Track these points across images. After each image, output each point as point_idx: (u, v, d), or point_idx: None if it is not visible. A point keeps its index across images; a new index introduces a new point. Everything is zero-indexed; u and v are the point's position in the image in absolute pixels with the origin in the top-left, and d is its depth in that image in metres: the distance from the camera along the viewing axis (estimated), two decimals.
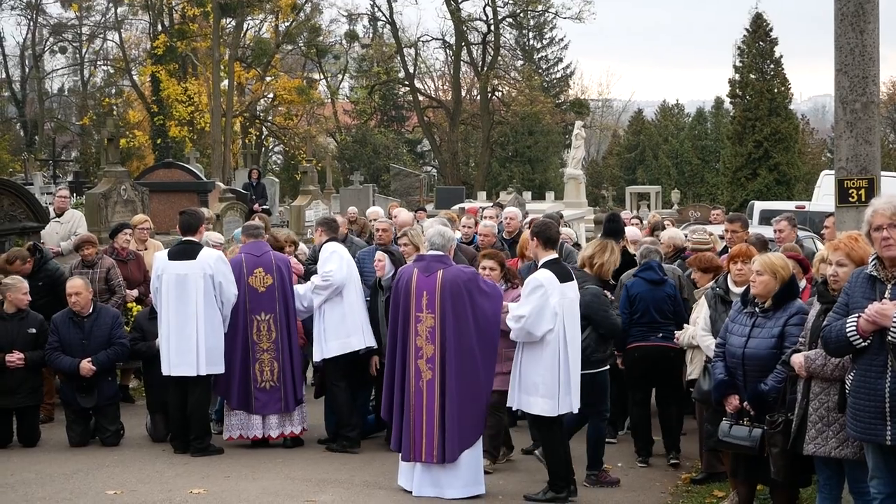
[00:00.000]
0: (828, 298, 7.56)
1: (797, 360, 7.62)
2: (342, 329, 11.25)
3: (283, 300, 11.48)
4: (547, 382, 9.42)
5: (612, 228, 11.91)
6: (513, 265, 11.72)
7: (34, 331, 11.81)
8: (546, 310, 9.33)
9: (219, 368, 11.36)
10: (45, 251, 13.34)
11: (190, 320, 11.19)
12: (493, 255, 10.85)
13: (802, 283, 9.72)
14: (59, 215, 17.18)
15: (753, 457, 8.29)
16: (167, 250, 12.01)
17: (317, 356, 11.46)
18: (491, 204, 22.60)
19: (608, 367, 10.47)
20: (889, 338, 6.61)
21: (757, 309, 8.34)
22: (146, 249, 15.10)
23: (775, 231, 12.82)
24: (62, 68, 70.26)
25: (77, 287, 11.88)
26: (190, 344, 11.19)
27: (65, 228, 16.82)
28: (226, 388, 11.55)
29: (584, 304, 10.00)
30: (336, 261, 11.28)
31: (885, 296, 6.77)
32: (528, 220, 15.99)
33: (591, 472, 10.31)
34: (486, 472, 9.92)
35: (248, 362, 11.45)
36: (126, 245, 14.35)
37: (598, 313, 10.22)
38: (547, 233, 9.78)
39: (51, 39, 65.29)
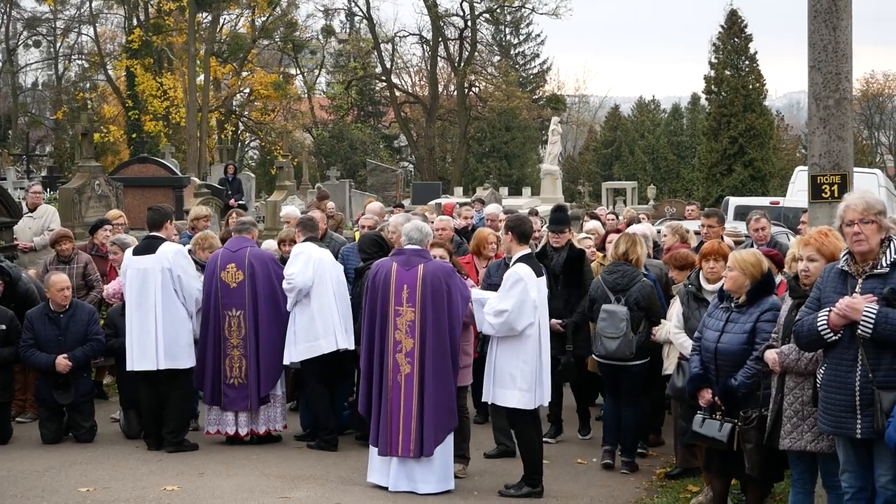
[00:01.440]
0: (799, 293, 7.60)
1: (770, 355, 7.66)
2: (311, 332, 11.10)
3: (253, 297, 11.38)
4: (526, 375, 9.47)
5: (557, 217, 11.78)
6: (467, 262, 11.86)
7: (4, 327, 11.72)
8: (527, 303, 9.40)
9: (181, 363, 11.30)
10: (14, 271, 12.83)
11: (149, 315, 11.16)
12: (441, 244, 10.88)
13: (778, 279, 9.74)
14: (31, 210, 17.07)
15: (727, 452, 8.31)
16: (132, 247, 12.01)
17: (286, 359, 11.39)
18: (469, 200, 22.61)
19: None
20: (859, 332, 6.65)
21: (732, 304, 8.38)
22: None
23: (756, 230, 12.76)
24: (36, 62, 69.98)
25: (65, 282, 11.89)
26: (149, 338, 11.15)
27: (38, 224, 16.73)
28: (200, 383, 11.55)
29: (645, 296, 10.53)
30: (300, 263, 11.09)
31: (856, 290, 6.81)
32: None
33: (628, 458, 10.70)
34: (457, 477, 9.90)
35: (220, 358, 11.43)
36: (106, 241, 14.27)
37: (657, 304, 10.66)
38: (521, 227, 9.84)
39: (25, 33, 64.92)
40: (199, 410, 12.18)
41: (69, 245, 13.73)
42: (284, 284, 11.17)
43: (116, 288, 12.48)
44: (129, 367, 11.31)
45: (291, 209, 16.27)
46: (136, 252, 11.48)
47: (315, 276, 11.04)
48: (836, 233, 7.42)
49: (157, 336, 11.13)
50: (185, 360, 11.36)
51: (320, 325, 11.06)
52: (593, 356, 10.97)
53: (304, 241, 11.52)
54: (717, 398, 8.29)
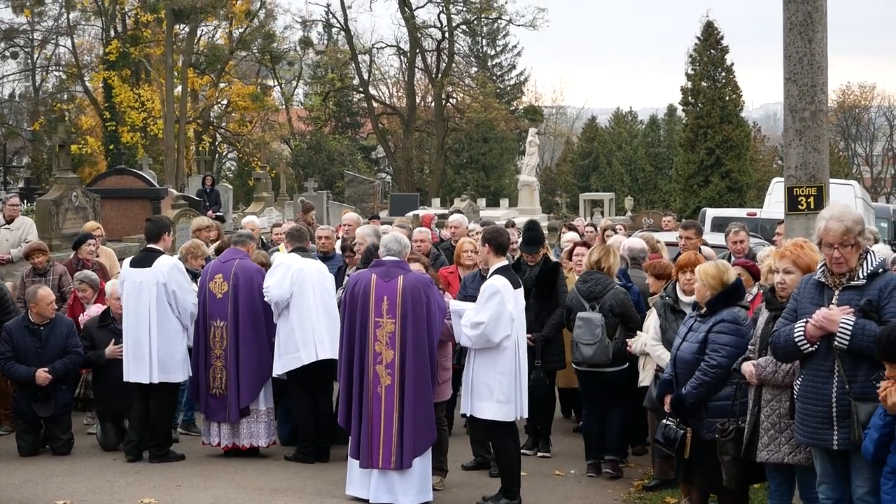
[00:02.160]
0: (776, 306, 7.65)
1: (747, 368, 7.71)
2: (291, 343, 11.07)
3: (235, 309, 11.36)
4: (504, 388, 9.48)
5: (531, 237, 11.80)
6: (451, 272, 11.88)
7: None
8: (504, 316, 9.41)
9: (174, 377, 11.34)
10: None
11: (143, 328, 11.18)
12: (418, 258, 10.92)
13: (755, 290, 9.78)
14: (8, 222, 17.01)
15: (706, 463, 8.34)
16: (130, 258, 11.99)
17: (273, 371, 11.35)
18: (448, 211, 22.63)
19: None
20: (836, 343, 6.69)
21: (697, 314, 8.53)
22: (97, 257, 14.99)
23: (735, 242, 12.80)
24: (13, 73, 69.51)
25: (52, 296, 11.91)
26: (143, 351, 11.17)
27: (15, 236, 16.68)
28: (194, 392, 11.63)
29: (619, 302, 10.72)
30: (278, 275, 11.08)
31: (833, 301, 6.85)
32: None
33: (614, 457, 10.89)
34: (435, 490, 9.89)
35: (206, 368, 11.43)
36: (90, 256, 14.20)
37: (631, 310, 10.85)
38: (498, 239, 9.86)
39: (2, 44, 64.60)
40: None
41: (43, 258, 13.69)
42: (265, 297, 11.17)
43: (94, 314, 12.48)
44: (125, 379, 11.30)
45: (251, 218, 16.33)
46: (133, 264, 11.49)
47: (294, 287, 11.00)
48: (812, 244, 7.47)
49: (151, 349, 11.14)
50: (178, 374, 11.39)
51: (300, 336, 11.03)
52: (572, 365, 11.03)
53: (292, 251, 11.51)
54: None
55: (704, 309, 8.42)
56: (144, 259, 11.38)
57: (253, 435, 11.48)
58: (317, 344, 11.02)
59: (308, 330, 11.04)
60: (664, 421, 8.55)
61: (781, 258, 7.72)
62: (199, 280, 11.87)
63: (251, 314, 11.40)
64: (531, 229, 11.89)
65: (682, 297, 9.58)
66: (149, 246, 11.54)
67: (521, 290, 9.85)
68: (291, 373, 11.19)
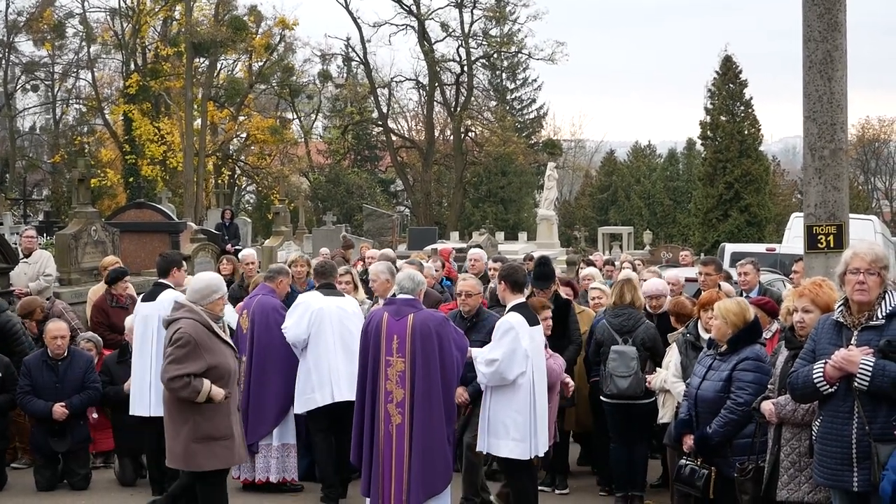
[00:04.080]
0: (795, 344, 7.62)
1: (767, 406, 7.66)
2: (307, 385, 11.05)
3: (251, 346, 11.42)
4: (519, 425, 9.39)
5: (542, 273, 11.79)
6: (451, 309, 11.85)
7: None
8: (518, 352, 9.31)
9: None
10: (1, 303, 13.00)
11: (146, 361, 11.20)
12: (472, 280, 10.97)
13: (774, 327, 9.72)
14: (26, 256, 17.07)
15: (729, 502, 8.27)
16: (143, 293, 12.03)
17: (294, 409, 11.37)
18: (467, 245, 22.64)
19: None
20: (856, 384, 6.63)
21: (716, 352, 8.47)
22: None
23: (740, 274, 12.87)
24: (34, 106, 70.08)
25: (62, 330, 11.91)
26: (144, 385, 11.18)
27: (33, 269, 16.72)
28: None
29: (651, 336, 10.82)
30: (296, 315, 11.07)
31: (852, 342, 6.80)
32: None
33: (639, 493, 10.85)
34: None
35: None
36: (125, 293, 14.16)
37: (661, 345, 10.85)
38: (514, 276, 9.81)
39: (23, 77, 65.09)
40: None
41: (38, 314, 13.63)
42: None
43: None
44: (130, 412, 11.30)
45: (250, 251, 16.31)
46: (143, 299, 11.55)
47: (311, 327, 10.98)
48: (830, 283, 7.43)
49: (151, 383, 11.13)
50: None
51: (315, 377, 11.01)
52: (602, 398, 10.99)
53: (319, 287, 11.46)
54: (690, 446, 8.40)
55: (724, 347, 8.37)
56: (152, 293, 11.41)
57: (268, 469, 11.47)
58: (333, 386, 10.94)
59: (324, 371, 11.00)
60: (682, 461, 8.50)
61: (800, 297, 7.70)
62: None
63: (266, 351, 11.41)
64: (542, 264, 11.89)
65: (704, 335, 9.54)
66: (159, 280, 11.56)
67: (539, 328, 9.78)
68: (311, 412, 11.17)
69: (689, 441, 8.48)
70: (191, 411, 8.68)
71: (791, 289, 11.65)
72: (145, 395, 11.18)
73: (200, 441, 8.71)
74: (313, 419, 11.21)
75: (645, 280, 12.69)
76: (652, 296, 11.65)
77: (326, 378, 10.97)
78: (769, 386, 7.91)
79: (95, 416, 12.10)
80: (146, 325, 11.25)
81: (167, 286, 11.41)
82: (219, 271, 15.35)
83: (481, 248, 20.51)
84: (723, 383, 8.22)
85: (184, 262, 12.20)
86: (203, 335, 8.71)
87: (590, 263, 17.70)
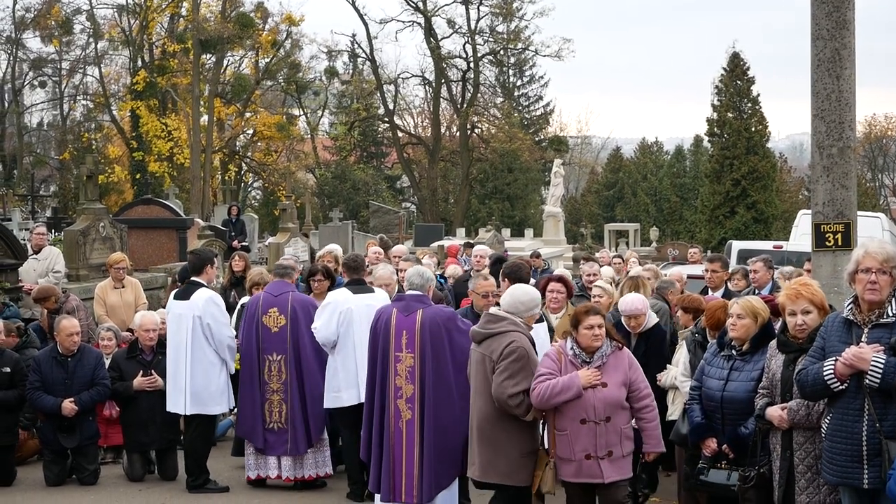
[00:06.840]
0: (792, 348, 7.55)
1: (775, 412, 7.57)
2: (333, 383, 10.94)
3: (295, 342, 11.30)
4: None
5: (495, 272, 11.71)
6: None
7: (8, 370, 11.75)
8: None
9: (209, 409, 11.37)
10: (33, 337, 13.13)
11: (182, 360, 11.23)
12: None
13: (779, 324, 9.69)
14: (36, 252, 17.11)
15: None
16: (175, 290, 12.08)
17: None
18: (474, 241, 22.64)
19: None
20: (867, 381, 6.64)
21: (734, 352, 8.30)
22: (123, 287, 15.07)
23: (751, 272, 12.83)
24: (41, 102, 70.13)
25: (77, 327, 11.95)
26: (180, 384, 11.23)
27: (42, 266, 16.77)
28: (242, 427, 11.59)
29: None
30: (325, 315, 10.93)
31: (862, 339, 6.80)
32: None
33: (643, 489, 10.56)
34: None
35: (261, 401, 11.37)
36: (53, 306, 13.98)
37: (667, 348, 10.79)
38: (518, 273, 9.84)
39: (31, 74, 65.15)
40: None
41: (52, 303, 13.70)
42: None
43: None
44: (167, 409, 11.44)
45: (335, 246, 16.33)
46: (176, 297, 11.57)
47: (340, 328, 10.83)
48: (847, 279, 7.36)
49: (186, 382, 11.18)
50: (215, 406, 11.40)
51: (343, 377, 10.88)
52: None
53: (348, 283, 11.33)
54: (724, 447, 8.22)
55: (746, 345, 8.21)
56: (185, 292, 11.43)
57: (318, 465, 11.46)
58: (360, 386, 10.68)
59: (351, 371, 10.86)
60: (703, 464, 8.37)
61: (797, 299, 7.61)
62: (244, 312, 11.86)
63: (313, 346, 11.27)
64: (498, 263, 11.79)
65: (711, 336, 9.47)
66: (192, 279, 11.55)
67: (545, 325, 9.75)
68: (340, 411, 11.09)
69: (711, 444, 8.30)
70: (515, 428, 8.51)
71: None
72: (180, 395, 11.24)
73: (528, 455, 8.54)
74: (341, 414, 11.12)
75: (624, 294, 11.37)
76: (630, 315, 10.64)
77: (353, 379, 10.81)
78: (761, 391, 7.83)
79: (117, 410, 12.09)
80: (180, 324, 11.27)
81: (201, 284, 11.42)
82: (230, 267, 15.33)
83: (485, 243, 20.55)
84: (754, 383, 8.03)
85: (215, 260, 12.21)
86: (531, 350, 8.59)
87: (588, 259, 17.64)
